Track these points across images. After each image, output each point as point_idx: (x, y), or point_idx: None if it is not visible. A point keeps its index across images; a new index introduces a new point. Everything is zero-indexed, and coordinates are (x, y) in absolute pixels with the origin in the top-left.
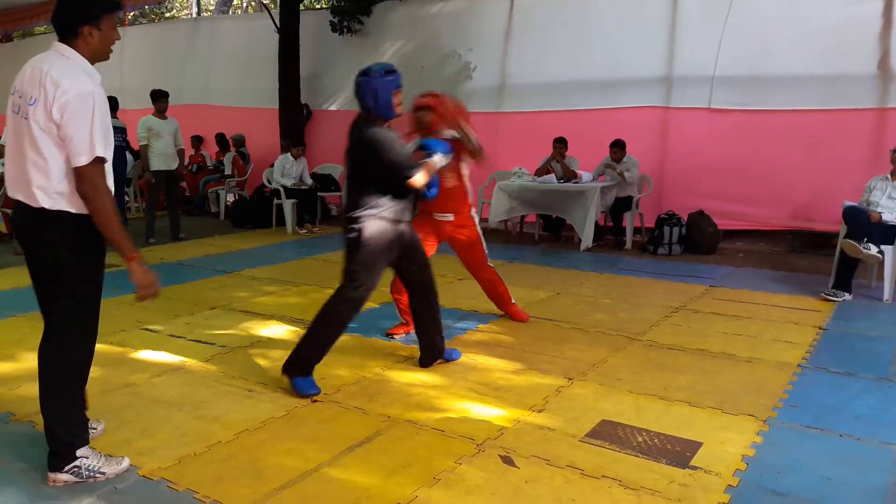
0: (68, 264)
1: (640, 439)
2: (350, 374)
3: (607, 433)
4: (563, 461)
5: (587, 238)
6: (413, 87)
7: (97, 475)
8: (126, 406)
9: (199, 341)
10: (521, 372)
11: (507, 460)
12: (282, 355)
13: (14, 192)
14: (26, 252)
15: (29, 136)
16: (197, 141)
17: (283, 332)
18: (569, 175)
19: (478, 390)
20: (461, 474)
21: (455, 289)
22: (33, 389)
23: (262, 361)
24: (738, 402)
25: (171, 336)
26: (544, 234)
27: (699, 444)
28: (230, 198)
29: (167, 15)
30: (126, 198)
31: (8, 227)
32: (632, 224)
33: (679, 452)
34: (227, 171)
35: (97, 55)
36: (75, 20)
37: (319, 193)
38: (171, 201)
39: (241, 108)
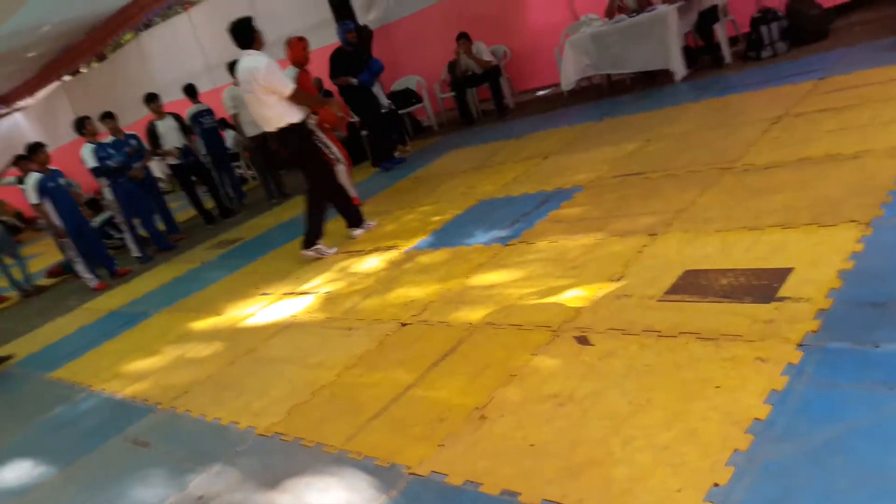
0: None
1: (723, 282)
2: (436, 290)
3: (688, 285)
4: (639, 327)
5: (678, 66)
6: None
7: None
8: (247, 372)
9: (305, 293)
10: (602, 242)
11: (582, 340)
12: (375, 286)
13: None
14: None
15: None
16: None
17: (377, 262)
18: (643, 5)
19: (556, 274)
20: (536, 366)
21: (540, 169)
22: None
23: (357, 298)
24: (839, 209)
25: (283, 294)
26: (637, 76)
27: (789, 271)
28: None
29: None
30: (239, 170)
31: None
32: (724, 35)
33: (765, 286)
34: None
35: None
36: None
37: (401, 111)
38: (270, 163)
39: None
